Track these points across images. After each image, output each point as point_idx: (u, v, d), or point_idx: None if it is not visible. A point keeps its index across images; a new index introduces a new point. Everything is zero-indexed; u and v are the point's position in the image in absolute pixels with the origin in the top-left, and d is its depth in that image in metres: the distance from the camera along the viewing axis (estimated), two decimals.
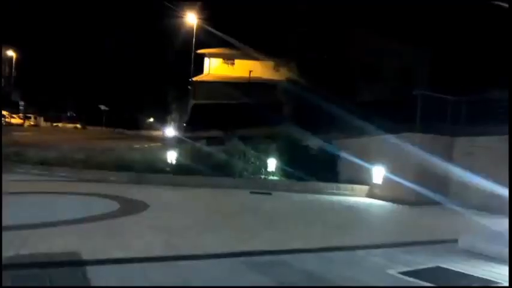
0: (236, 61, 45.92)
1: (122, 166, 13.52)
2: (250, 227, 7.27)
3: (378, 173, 12.55)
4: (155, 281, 3.94)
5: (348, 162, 13.47)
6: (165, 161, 14.26)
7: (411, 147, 11.58)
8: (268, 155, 14.65)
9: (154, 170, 13.30)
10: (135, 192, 10.30)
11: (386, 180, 12.32)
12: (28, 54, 54.01)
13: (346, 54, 23.14)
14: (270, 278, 4.25)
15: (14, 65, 55.28)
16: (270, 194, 11.90)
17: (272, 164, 14.36)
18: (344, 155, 13.81)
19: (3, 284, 3.55)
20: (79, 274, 3.99)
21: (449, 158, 11.89)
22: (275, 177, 14.00)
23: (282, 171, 14.11)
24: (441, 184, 11.53)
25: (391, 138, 12.31)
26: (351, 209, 10.51)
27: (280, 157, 14.38)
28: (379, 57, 22.98)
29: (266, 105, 27.06)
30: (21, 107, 55.03)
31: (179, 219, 7.41)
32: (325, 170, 13.59)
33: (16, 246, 4.70)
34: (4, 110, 50.19)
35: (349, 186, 12.96)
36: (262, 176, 14.09)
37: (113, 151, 18.07)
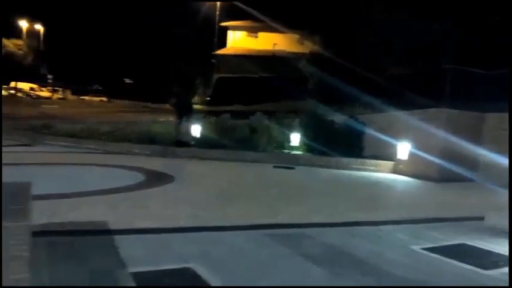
0: (260, 34, 45.31)
1: (147, 139, 13.72)
2: (273, 200, 7.31)
3: (403, 149, 12.35)
4: (179, 251, 4.04)
5: (373, 138, 13.28)
6: (189, 135, 14.38)
7: (438, 123, 11.33)
8: (292, 129, 14.59)
9: (179, 143, 13.44)
10: (160, 165, 10.47)
11: (411, 156, 12.12)
12: (56, 28, 54.70)
13: (372, 28, 22.50)
14: (293, 250, 4.30)
15: (42, 38, 56.15)
16: (293, 168, 11.90)
17: (296, 138, 14.31)
18: (369, 130, 13.62)
19: (36, 248, 3.69)
20: (106, 242, 4.13)
21: (478, 134, 11.58)
22: (299, 152, 13.97)
23: (305, 145, 14.06)
24: (469, 161, 11.27)
25: (418, 114, 12.05)
26: (375, 185, 10.42)
27: (304, 132, 14.30)
28: (406, 31, 22.29)
29: (290, 79, 26.82)
30: (49, 80, 56.28)
31: (203, 192, 7.51)
32: (350, 145, 13.43)
33: (47, 215, 4.87)
34: (34, 83, 51.74)
35: (374, 161, 12.81)
36: (286, 151, 14.07)
37: (138, 124, 18.35)
